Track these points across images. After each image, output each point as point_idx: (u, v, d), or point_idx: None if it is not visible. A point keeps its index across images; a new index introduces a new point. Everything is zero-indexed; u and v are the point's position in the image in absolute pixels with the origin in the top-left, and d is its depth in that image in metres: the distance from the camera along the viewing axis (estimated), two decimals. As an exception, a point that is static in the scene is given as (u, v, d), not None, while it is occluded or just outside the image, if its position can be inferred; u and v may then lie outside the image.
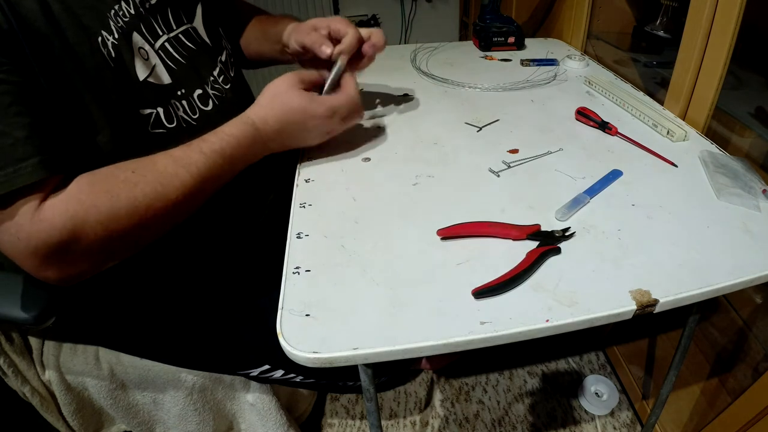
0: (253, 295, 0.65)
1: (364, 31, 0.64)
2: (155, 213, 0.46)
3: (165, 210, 0.47)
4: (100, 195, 0.43)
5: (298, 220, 0.52)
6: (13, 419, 0.78)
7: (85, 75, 0.46)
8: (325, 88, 0.59)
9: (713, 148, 0.63)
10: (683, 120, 0.70)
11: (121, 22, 0.50)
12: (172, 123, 0.54)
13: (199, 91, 0.58)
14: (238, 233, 0.68)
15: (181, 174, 0.47)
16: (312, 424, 0.99)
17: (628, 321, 0.41)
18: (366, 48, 0.63)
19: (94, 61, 0.46)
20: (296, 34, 0.66)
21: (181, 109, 0.55)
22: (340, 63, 0.59)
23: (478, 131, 0.69)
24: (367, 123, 0.72)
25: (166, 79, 0.54)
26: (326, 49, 0.60)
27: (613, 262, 0.45)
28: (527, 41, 1.03)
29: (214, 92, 0.60)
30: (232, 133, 0.52)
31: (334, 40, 0.62)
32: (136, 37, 0.51)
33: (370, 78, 0.87)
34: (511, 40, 0.98)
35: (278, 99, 0.54)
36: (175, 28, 0.58)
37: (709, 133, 0.68)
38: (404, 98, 0.80)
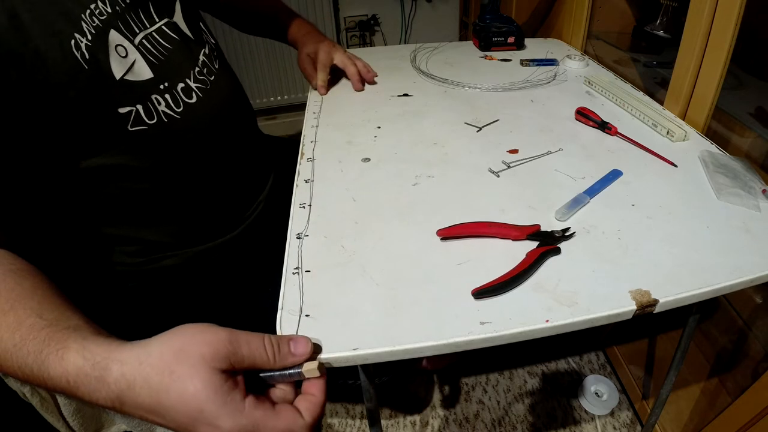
0: (253, 293, 0.65)
1: (359, 63, 0.85)
2: None
3: None
4: None
5: (297, 220, 0.51)
6: (13, 419, 0.78)
7: (57, 81, 0.45)
8: (273, 375, 0.34)
9: (713, 148, 0.63)
10: (683, 120, 0.70)
11: (96, 21, 0.49)
12: (153, 119, 0.54)
13: (181, 85, 0.58)
14: (237, 231, 0.68)
15: (7, 364, 0.36)
16: (312, 424, 0.99)
17: (628, 321, 0.41)
18: (368, 78, 0.85)
19: (67, 65, 0.46)
20: (309, 52, 0.84)
21: (163, 104, 0.55)
22: (304, 369, 0.35)
23: (477, 131, 0.69)
24: (367, 123, 0.72)
25: (147, 74, 0.54)
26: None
27: (613, 262, 0.45)
28: (527, 41, 1.03)
29: (197, 84, 0.60)
30: (67, 373, 0.33)
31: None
32: (113, 35, 0.51)
33: (370, 78, 0.87)
34: (511, 40, 0.98)
35: (172, 380, 0.32)
36: (156, 20, 0.57)
37: (709, 133, 0.68)
38: (404, 98, 0.80)
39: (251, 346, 0.33)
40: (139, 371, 0.32)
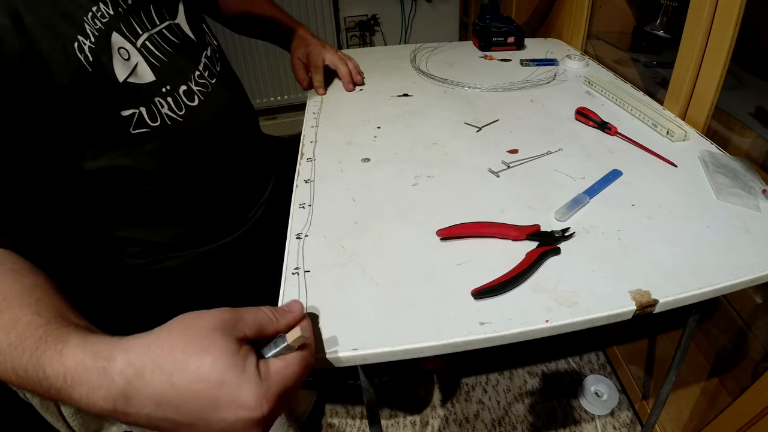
0: (254, 295, 0.65)
1: (350, 64, 0.85)
2: None
3: None
4: None
5: (297, 220, 0.52)
6: (13, 419, 0.78)
7: (61, 84, 0.45)
8: (270, 353, 0.34)
9: (713, 148, 0.63)
10: (683, 120, 0.70)
11: (99, 24, 0.49)
12: (156, 122, 0.54)
13: (183, 87, 0.58)
14: (239, 232, 0.68)
15: (0, 368, 0.35)
16: (312, 424, 0.99)
17: (628, 321, 0.41)
18: (357, 81, 0.85)
19: (71, 67, 0.46)
20: (300, 56, 0.86)
21: (166, 107, 0.55)
22: (296, 335, 0.33)
23: (477, 131, 0.69)
24: (367, 123, 0.72)
25: (149, 77, 0.53)
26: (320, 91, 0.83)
27: (612, 262, 0.45)
28: (527, 41, 1.03)
29: (198, 88, 0.60)
30: (65, 368, 0.31)
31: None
32: (116, 38, 0.51)
33: (371, 78, 0.87)
34: (511, 40, 0.98)
35: (186, 356, 0.30)
36: (158, 23, 0.57)
37: (709, 133, 0.68)
38: (404, 98, 0.80)
39: (250, 311, 0.34)
40: (148, 355, 0.30)
